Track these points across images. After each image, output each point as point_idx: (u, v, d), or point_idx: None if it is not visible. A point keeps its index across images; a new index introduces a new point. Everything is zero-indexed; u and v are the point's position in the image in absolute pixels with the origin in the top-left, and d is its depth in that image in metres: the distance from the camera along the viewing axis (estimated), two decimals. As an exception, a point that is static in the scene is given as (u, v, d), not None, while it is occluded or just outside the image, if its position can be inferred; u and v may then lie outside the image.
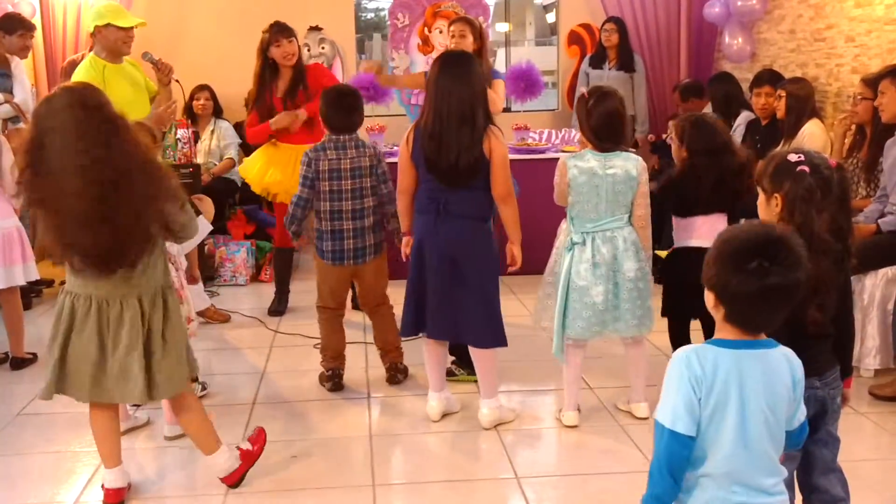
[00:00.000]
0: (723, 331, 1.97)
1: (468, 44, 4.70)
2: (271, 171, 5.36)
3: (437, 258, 3.70)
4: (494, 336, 3.76)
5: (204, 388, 4.22)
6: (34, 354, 4.79)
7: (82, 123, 2.87)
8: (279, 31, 5.26)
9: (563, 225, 3.86)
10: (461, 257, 3.67)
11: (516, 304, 5.35)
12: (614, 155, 3.64)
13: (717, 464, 1.92)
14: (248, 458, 3.37)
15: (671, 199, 3.95)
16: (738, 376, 1.92)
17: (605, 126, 3.62)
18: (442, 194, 3.66)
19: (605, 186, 3.61)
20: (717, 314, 1.95)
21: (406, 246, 3.90)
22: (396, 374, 4.38)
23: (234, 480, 3.31)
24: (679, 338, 3.97)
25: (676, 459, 1.91)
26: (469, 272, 3.68)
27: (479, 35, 4.81)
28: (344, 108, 4.17)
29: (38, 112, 2.96)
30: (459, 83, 3.58)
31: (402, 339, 4.24)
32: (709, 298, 1.96)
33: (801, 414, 2.05)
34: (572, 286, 3.66)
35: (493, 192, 3.65)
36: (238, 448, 3.38)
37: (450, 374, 4.37)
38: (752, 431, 1.92)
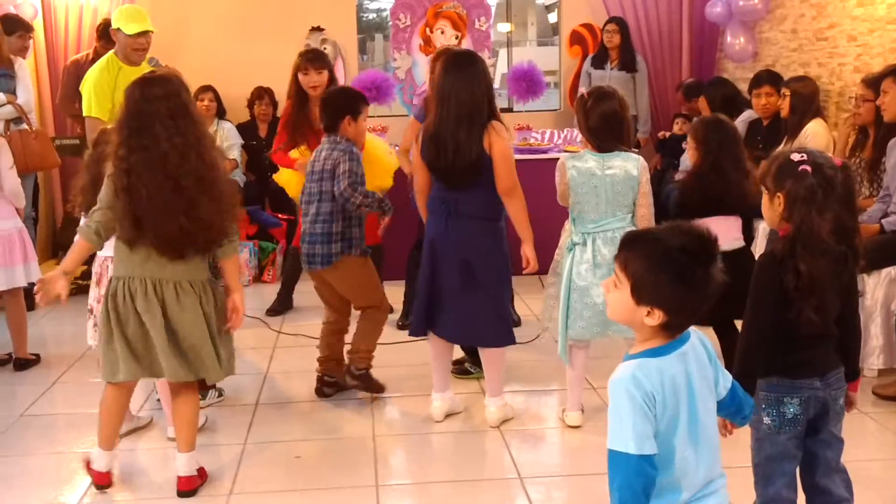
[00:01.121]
0: (655, 339, 1.89)
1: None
2: None
3: (450, 259, 3.71)
4: (506, 334, 3.77)
5: (220, 396, 4.17)
6: (37, 355, 4.80)
7: (183, 112, 3.06)
8: (308, 59, 4.85)
9: (567, 225, 3.86)
10: (472, 258, 3.68)
11: (519, 305, 5.32)
12: (613, 155, 3.63)
13: (674, 467, 1.87)
14: (202, 476, 3.36)
15: (694, 199, 3.91)
16: (685, 377, 1.87)
17: (602, 126, 3.61)
18: (451, 195, 3.67)
19: (604, 187, 3.60)
20: (650, 323, 1.86)
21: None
22: (348, 379, 4.11)
23: (190, 488, 3.28)
24: (728, 342, 3.87)
25: (651, 481, 1.83)
26: (480, 273, 3.69)
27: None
28: (322, 108, 4.08)
29: (136, 94, 3.06)
30: (462, 85, 3.59)
31: (412, 338, 4.13)
32: (640, 312, 1.86)
33: (727, 381, 1.99)
34: (573, 287, 3.66)
35: (497, 188, 3.64)
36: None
37: (464, 371, 4.38)
38: (699, 425, 1.88)
